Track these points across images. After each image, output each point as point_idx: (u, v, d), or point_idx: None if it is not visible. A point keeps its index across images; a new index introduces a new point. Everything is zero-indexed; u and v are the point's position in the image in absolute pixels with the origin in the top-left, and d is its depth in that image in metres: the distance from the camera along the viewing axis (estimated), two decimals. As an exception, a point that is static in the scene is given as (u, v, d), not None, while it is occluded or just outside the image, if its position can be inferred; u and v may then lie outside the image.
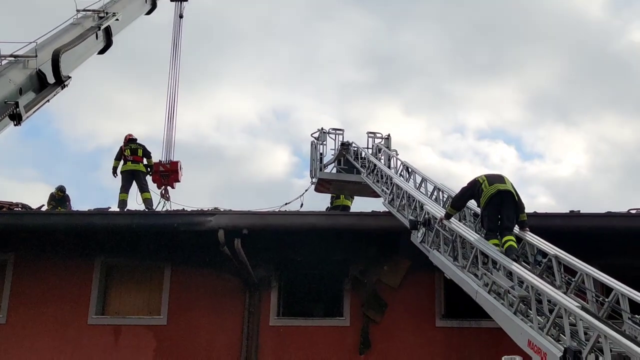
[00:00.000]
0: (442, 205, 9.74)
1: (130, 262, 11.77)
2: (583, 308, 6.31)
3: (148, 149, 13.58)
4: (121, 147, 13.35)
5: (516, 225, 8.31)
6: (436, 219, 8.82)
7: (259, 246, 10.87)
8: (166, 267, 11.55)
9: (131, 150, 13.19)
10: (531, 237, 8.13)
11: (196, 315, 11.22)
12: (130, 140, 13.36)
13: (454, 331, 10.98)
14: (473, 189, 8.86)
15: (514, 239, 8.12)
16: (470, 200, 9.13)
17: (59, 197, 14.29)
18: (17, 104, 8.48)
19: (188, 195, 20.82)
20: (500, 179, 8.80)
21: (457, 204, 9.00)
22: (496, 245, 8.02)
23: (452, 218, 8.78)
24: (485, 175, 8.90)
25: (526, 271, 7.26)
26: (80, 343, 11.11)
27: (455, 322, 10.96)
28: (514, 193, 8.62)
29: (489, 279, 7.50)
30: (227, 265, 11.00)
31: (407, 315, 11.11)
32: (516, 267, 7.32)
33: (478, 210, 8.81)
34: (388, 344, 10.98)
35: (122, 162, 13.24)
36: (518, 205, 8.57)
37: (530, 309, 6.72)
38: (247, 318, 11.12)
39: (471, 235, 8.19)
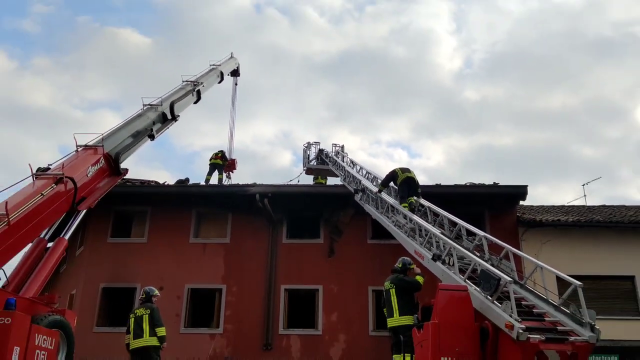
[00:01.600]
0: (371, 181, 19.14)
1: (210, 211, 21.66)
2: (442, 233, 10.82)
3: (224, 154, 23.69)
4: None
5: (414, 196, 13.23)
6: (369, 189, 16.32)
7: (277, 202, 20.53)
8: (228, 214, 21.42)
9: (215, 155, 23.22)
10: (422, 200, 12.95)
11: (244, 238, 20.92)
12: (218, 151, 23.48)
13: (376, 246, 20.43)
14: (393, 175, 14.02)
15: (413, 200, 12.92)
16: (390, 182, 14.59)
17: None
18: (152, 129, 15.12)
19: (239, 177, 33.76)
20: (407, 170, 13.86)
21: (384, 183, 14.61)
22: (405, 207, 12.65)
23: (382, 192, 14.54)
24: (399, 168, 13.99)
25: (414, 215, 12.10)
26: (185, 254, 20.91)
27: (378, 241, 20.43)
28: (414, 178, 13.62)
29: (395, 219, 13.27)
30: (260, 212, 20.63)
31: (352, 238, 20.62)
32: (408, 212, 12.24)
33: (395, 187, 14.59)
34: (343, 252, 20.50)
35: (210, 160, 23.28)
36: (417, 184, 13.52)
37: (415, 234, 11.45)
38: (270, 240, 20.78)
39: (390, 200, 13.87)
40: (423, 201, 12.84)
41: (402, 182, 13.22)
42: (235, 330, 19.48)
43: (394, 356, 9.45)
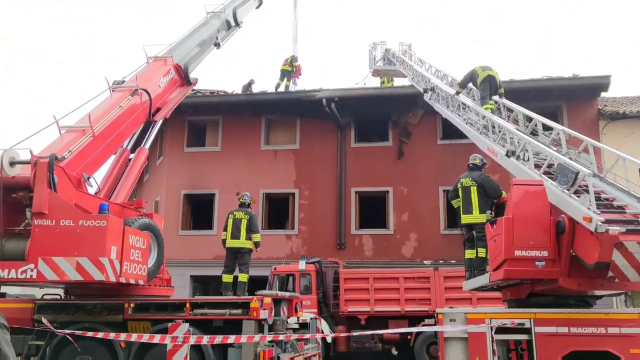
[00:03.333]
0: (441, 79, 18.44)
1: (279, 118, 21.96)
2: (517, 129, 10.22)
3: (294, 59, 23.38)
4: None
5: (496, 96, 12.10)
6: (439, 87, 15.14)
7: (344, 106, 20.49)
8: (297, 120, 21.66)
9: (285, 61, 22.87)
10: (504, 100, 11.88)
11: (313, 143, 21.24)
12: (289, 57, 23.12)
13: (447, 147, 20.27)
14: (472, 75, 12.46)
15: (492, 105, 11.75)
16: (469, 83, 13.06)
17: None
18: (217, 37, 14.40)
19: (306, 82, 32.18)
20: (488, 68, 12.24)
21: (462, 84, 13.04)
22: (487, 108, 11.50)
23: (460, 94, 13.16)
24: (479, 66, 12.44)
25: (486, 112, 11.25)
26: (257, 161, 21.57)
27: (449, 141, 20.21)
28: (496, 76, 12.11)
29: (467, 116, 12.48)
30: (327, 117, 20.74)
31: (422, 139, 20.48)
32: (484, 111, 11.37)
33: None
34: (412, 154, 20.51)
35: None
36: (499, 83, 12.10)
37: (488, 131, 10.86)
38: (339, 145, 21.01)
39: (469, 102, 12.57)
40: (505, 101, 11.99)
41: (483, 81, 12.22)
42: (310, 231, 20.30)
43: (466, 251, 9.57)
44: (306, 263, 16.56)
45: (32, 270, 7.99)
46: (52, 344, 8.98)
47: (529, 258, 7.33)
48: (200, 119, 22.43)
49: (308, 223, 20.43)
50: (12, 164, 8.27)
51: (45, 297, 10.16)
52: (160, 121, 12.21)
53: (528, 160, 9.10)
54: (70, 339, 8.56)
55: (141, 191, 23.72)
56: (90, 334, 8.38)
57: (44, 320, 8.81)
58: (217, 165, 21.44)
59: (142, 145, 11.83)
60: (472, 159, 9.83)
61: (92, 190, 9.84)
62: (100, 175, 10.68)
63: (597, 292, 7.97)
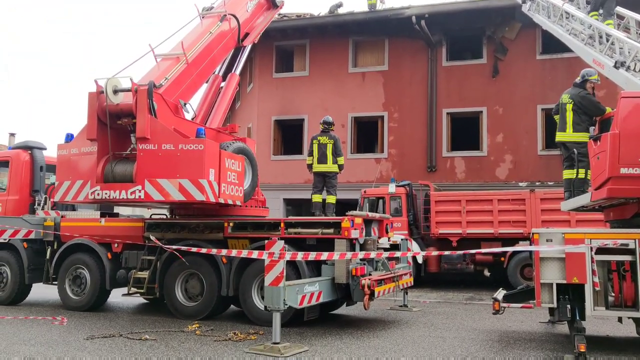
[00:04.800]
0: None
1: (366, 39, 21.40)
2: (628, 37, 9.32)
3: None
4: None
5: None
6: None
7: (435, 23, 19.59)
8: (385, 40, 21.02)
9: None
10: (619, 8, 10.73)
11: (402, 64, 20.66)
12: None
13: (546, 62, 18.99)
14: None
15: (597, 14, 10.79)
16: None
17: None
18: None
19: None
20: None
21: None
22: (592, 16, 10.63)
23: (566, 3, 11.86)
24: None
25: (593, 19, 10.22)
26: (345, 84, 21.39)
27: (549, 55, 18.89)
28: None
29: (570, 27, 11.42)
30: (417, 35, 19.98)
31: (519, 54, 19.27)
32: (586, 17, 10.45)
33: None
34: (508, 71, 19.45)
35: None
36: None
37: (595, 42, 9.98)
38: (429, 64, 20.30)
39: (576, 12, 11.36)
40: (620, 10, 10.74)
41: None
42: (399, 155, 20.17)
43: (565, 171, 9.12)
44: (396, 186, 16.60)
45: (140, 191, 8.62)
46: (162, 259, 9.78)
47: (636, 176, 6.85)
48: (288, 44, 22.40)
49: (398, 146, 20.27)
50: (116, 92, 8.77)
51: (153, 217, 10.97)
52: (249, 47, 12.34)
53: (639, 71, 8.33)
54: (177, 254, 9.28)
55: (233, 118, 24.48)
56: (194, 250, 9.02)
57: (152, 237, 9.58)
58: (305, 90, 21.54)
59: (232, 72, 12.06)
60: (581, 75, 9.09)
61: (188, 116, 10.28)
62: (195, 101, 11.11)
63: None
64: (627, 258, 7.08)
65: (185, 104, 9.77)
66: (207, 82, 11.31)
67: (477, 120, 19.67)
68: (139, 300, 11.76)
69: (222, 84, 11.88)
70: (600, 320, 9.17)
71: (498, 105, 19.27)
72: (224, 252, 8.65)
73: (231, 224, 9.59)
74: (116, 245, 10.28)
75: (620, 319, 8.21)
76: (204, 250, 8.88)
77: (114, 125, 8.95)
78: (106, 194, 8.91)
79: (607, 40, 9.69)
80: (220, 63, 11.47)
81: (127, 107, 8.80)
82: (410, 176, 18.47)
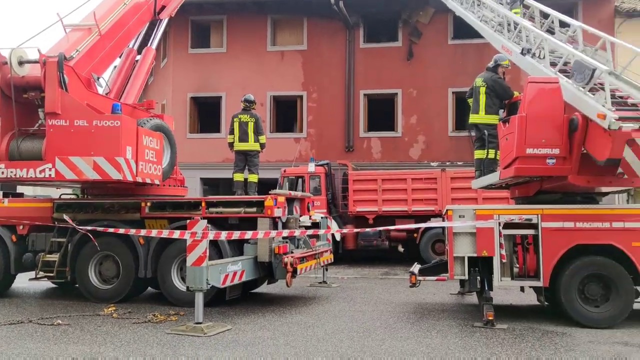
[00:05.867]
0: None
1: (285, 17, 21.23)
2: (533, 25, 9.82)
3: None
4: None
5: None
6: None
7: (353, 4, 19.70)
8: (304, 19, 20.95)
9: None
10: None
11: (321, 44, 20.72)
12: None
13: (458, 47, 19.78)
14: None
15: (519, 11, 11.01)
16: None
17: None
18: None
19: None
20: None
21: None
22: (516, 13, 10.74)
23: None
24: None
25: (501, 7, 10.72)
26: (264, 62, 21.15)
27: (460, 41, 19.68)
28: None
29: (481, 13, 11.92)
30: (335, 16, 20.10)
31: (432, 39, 19.89)
32: (495, 4, 10.89)
33: None
34: (422, 55, 20.10)
35: None
36: None
37: (504, 29, 10.38)
38: (347, 45, 20.49)
39: (493, 3, 11.27)
40: (534, 3, 11.04)
41: None
42: (318, 134, 20.37)
43: (476, 151, 9.64)
44: (315, 165, 16.79)
45: (50, 169, 8.14)
46: (73, 241, 9.34)
47: (540, 156, 7.38)
48: (204, 19, 21.81)
49: (317, 126, 20.44)
50: (21, 63, 8.20)
51: (62, 197, 10.42)
52: (166, 20, 11.89)
53: (544, 58, 8.88)
54: (90, 236, 8.90)
55: (147, 94, 23.52)
56: (111, 230, 8.69)
57: (66, 217, 9.11)
58: (223, 67, 21.12)
59: (148, 45, 11.59)
60: (493, 60, 9.57)
61: (101, 91, 9.79)
62: (108, 76, 10.59)
63: (604, 189, 8.08)
64: (530, 232, 7.65)
65: (98, 78, 9.29)
66: (121, 56, 10.81)
67: (392, 102, 20.22)
68: (47, 284, 11.18)
69: (138, 58, 11.39)
70: (505, 290, 9.85)
71: (412, 88, 19.89)
72: (143, 232, 8.41)
73: (149, 204, 9.32)
74: (21, 227, 9.70)
75: (522, 289, 8.90)
76: (121, 231, 8.58)
77: (20, 99, 8.38)
78: (12, 172, 8.34)
79: (515, 28, 10.25)
80: (136, 36, 10.98)
81: (34, 80, 8.25)
82: (329, 156, 18.75)
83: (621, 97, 7.81)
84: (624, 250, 7.32)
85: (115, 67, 10.94)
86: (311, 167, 16.58)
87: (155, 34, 11.91)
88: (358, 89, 20.24)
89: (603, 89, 7.26)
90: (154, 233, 8.35)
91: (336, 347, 6.20)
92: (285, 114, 21.97)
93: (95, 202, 9.75)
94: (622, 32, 17.99)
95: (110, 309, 8.48)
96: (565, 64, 8.48)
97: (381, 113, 20.43)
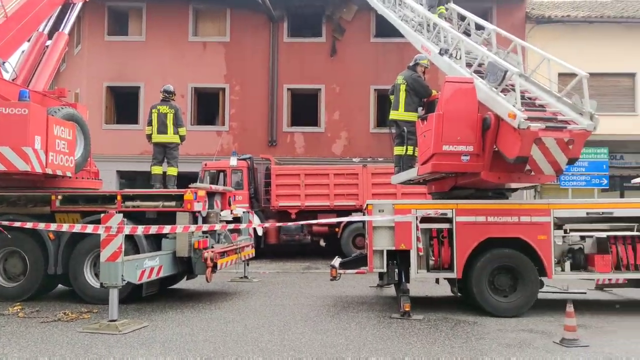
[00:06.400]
0: None
1: (207, 7, 20.76)
2: (450, 27, 10.04)
3: None
4: None
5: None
6: None
7: (277, -2, 19.75)
8: (227, 10, 20.60)
9: None
10: (452, 5, 11.33)
11: (245, 37, 20.48)
12: None
13: (379, 45, 20.19)
14: None
15: (444, 11, 11.36)
16: None
17: None
18: None
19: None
20: None
21: None
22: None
23: None
24: None
25: (420, 7, 10.86)
26: (185, 53, 20.59)
27: (382, 39, 20.05)
28: None
29: (402, 13, 11.96)
30: (259, 9, 19.87)
31: (355, 36, 20.21)
32: (418, 7, 10.91)
33: None
34: (345, 52, 20.31)
35: None
36: None
37: (423, 29, 10.65)
38: (271, 39, 20.40)
39: (416, 5, 11.23)
40: (453, 6, 11.37)
41: None
42: (241, 128, 20.14)
43: (395, 148, 9.89)
44: (238, 159, 16.59)
45: (-53, 159, 7.53)
46: (-26, 236, 8.70)
47: (455, 152, 7.69)
48: (122, 5, 20.95)
49: (239, 119, 20.20)
50: None
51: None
52: (80, 4, 11.33)
53: (460, 58, 9.23)
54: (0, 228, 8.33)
55: (58, 82, 22.24)
56: (17, 224, 8.17)
57: (-33, 212, 8.47)
58: (141, 57, 20.38)
59: (60, 30, 10.97)
60: (414, 59, 9.82)
61: (7, 77, 9.17)
62: (15, 61, 9.94)
63: (513, 185, 8.56)
64: (445, 226, 7.96)
65: (4, 63, 8.69)
66: (29, 40, 10.16)
67: (316, 98, 20.33)
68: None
69: (48, 43, 10.76)
70: (422, 282, 10.19)
71: (335, 84, 20.09)
72: (53, 226, 7.97)
73: (59, 197, 8.82)
74: None
75: (437, 280, 9.24)
76: (29, 225, 8.08)
77: None
78: None
79: (434, 29, 10.59)
80: (46, 19, 10.37)
81: None
82: (252, 150, 18.56)
83: (530, 99, 8.27)
84: (530, 243, 7.77)
85: (23, 51, 10.26)
86: (233, 161, 16.37)
87: (68, 18, 11.33)
88: (282, 83, 20.19)
89: (514, 90, 7.64)
90: (65, 227, 7.92)
91: (256, 342, 6.17)
92: (207, 106, 21.51)
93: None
94: (532, 36, 19.04)
95: (15, 308, 7.99)
96: (480, 65, 8.84)
97: (305, 108, 20.50)
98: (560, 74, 11.84)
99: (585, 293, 9.64)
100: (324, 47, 20.28)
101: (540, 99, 8.22)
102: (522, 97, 7.82)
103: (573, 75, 7.64)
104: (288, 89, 20.28)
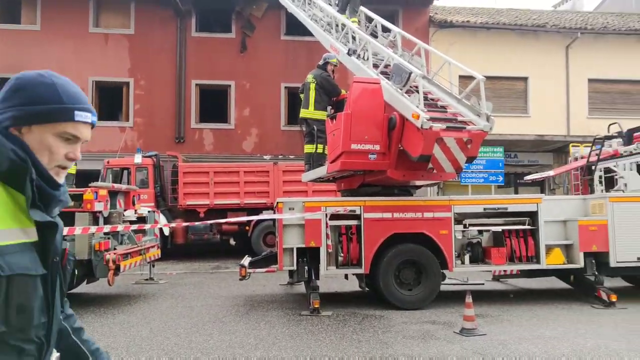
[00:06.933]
0: None
1: (110, -2, 19.93)
2: (358, 28, 10.35)
3: None
4: None
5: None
6: None
7: (184, -9, 19.24)
8: (131, 2, 19.78)
9: None
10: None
11: (150, 29, 19.76)
12: None
13: (290, 43, 20.21)
14: None
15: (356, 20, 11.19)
16: None
17: None
18: None
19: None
20: None
21: None
22: (354, 22, 10.94)
23: None
24: None
25: (329, 7, 11.24)
26: (85, 45, 19.47)
27: (292, 37, 20.03)
28: None
29: (312, 12, 12.20)
30: (166, 2, 19.34)
31: (266, 33, 20.12)
32: (327, 6, 11.22)
33: None
34: (256, 48, 20.20)
35: None
36: None
37: (332, 29, 10.87)
38: (179, 33, 19.87)
39: (328, 8, 11.32)
40: (361, 8, 11.55)
41: None
42: (146, 124, 19.42)
43: (305, 146, 9.96)
44: (143, 156, 15.99)
45: None
46: None
47: (363, 151, 7.88)
48: (14, -9, 19.50)
49: (145, 115, 19.47)
50: None
51: None
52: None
53: (367, 59, 9.45)
54: None
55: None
56: None
57: None
58: (36, 47, 19.07)
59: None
60: (323, 58, 9.91)
61: None
62: None
63: (418, 183, 8.90)
64: (354, 223, 8.13)
65: None
66: None
67: (225, 94, 20.03)
68: None
69: None
70: (331, 279, 10.34)
71: (245, 80, 19.89)
72: None
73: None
74: None
75: (346, 276, 9.42)
76: None
77: None
78: None
79: (342, 29, 10.76)
80: None
81: None
82: (158, 147, 17.95)
83: (432, 100, 8.62)
84: (433, 237, 8.12)
85: None
86: (138, 158, 15.75)
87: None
88: (190, 78, 19.70)
89: (417, 91, 7.92)
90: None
91: (161, 345, 5.97)
92: (110, 101, 20.56)
93: None
94: (435, 40, 19.89)
95: None
96: (386, 66, 9.10)
97: (214, 104, 20.13)
98: (460, 77, 12.42)
99: (483, 284, 10.21)
100: (234, 43, 20.02)
101: (442, 100, 8.59)
102: (425, 99, 8.13)
103: (472, 77, 8.06)
104: (196, 85, 19.82)
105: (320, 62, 9.74)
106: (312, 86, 9.43)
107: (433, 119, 7.55)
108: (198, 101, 19.94)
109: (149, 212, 10.82)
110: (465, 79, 9.40)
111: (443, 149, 7.49)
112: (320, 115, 9.40)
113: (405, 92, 8.11)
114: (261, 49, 20.02)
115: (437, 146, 7.45)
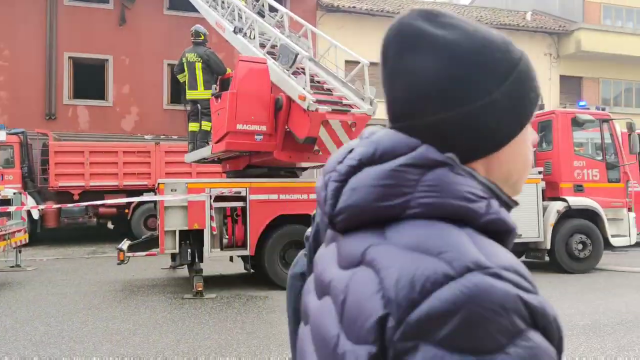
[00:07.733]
0: None
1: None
2: (245, 6, 10.03)
3: None
4: None
5: None
6: None
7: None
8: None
9: None
10: None
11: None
12: None
13: (173, 18, 19.38)
14: None
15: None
16: None
17: None
18: None
19: None
20: None
21: None
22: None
23: None
24: None
25: None
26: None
27: (176, 12, 19.24)
28: None
29: None
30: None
31: (147, 7, 19.11)
32: None
33: None
34: (136, 22, 19.09)
35: None
36: None
37: (217, 5, 10.58)
38: (48, 0, 18.34)
39: None
40: None
41: None
42: (11, 98, 17.73)
43: (190, 124, 9.66)
44: (7, 134, 14.59)
45: None
46: None
47: (249, 132, 7.78)
48: None
49: (9, 89, 17.74)
50: None
51: None
52: None
53: (254, 38, 9.32)
54: None
55: None
56: None
57: None
58: None
59: None
60: (196, 34, 9.60)
61: None
62: None
63: (304, 164, 8.97)
64: (239, 204, 8.04)
65: None
66: None
67: (102, 69, 18.81)
68: None
69: None
70: (216, 261, 10.16)
71: (125, 55, 18.80)
72: None
73: None
74: None
75: (231, 258, 9.30)
76: None
77: None
78: None
79: (228, 7, 10.50)
80: None
81: None
82: (25, 123, 16.43)
83: (319, 82, 8.72)
84: (318, 219, 8.24)
85: None
86: (1, 136, 14.35)
87: None
88: (62, 50, 18.22)
89: (304, 73, 7.96)
90: None
91: (28, 336, 5.53)
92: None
93: None
94: (322, 23, 20.08)
95: None
96: (273, 46, 9.03)
97: (90, 80, 18.82)
98: (346, 61, 12.64)
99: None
100: (112, 15, 18.80)
101: (328, 83, 8.72)
102: (312, 81, 8.21)
103: (357, 62, 8.24)
104: (70, 57, 18.41)
105: (199, 39, 9.45)
106: (199, 65, 9.14)
107: (319, 102, 7.64)
108: (72, 76, 18.55)
109: (14, 193, 9.95)
110: (351, 63, 9.60)
111: (329, 131, 7.61)
112: (208, 94, 9.15)
113: (292, 74, 8.12)
114: (142, 23, 18.99)
115: (323, 128, 7.56)
